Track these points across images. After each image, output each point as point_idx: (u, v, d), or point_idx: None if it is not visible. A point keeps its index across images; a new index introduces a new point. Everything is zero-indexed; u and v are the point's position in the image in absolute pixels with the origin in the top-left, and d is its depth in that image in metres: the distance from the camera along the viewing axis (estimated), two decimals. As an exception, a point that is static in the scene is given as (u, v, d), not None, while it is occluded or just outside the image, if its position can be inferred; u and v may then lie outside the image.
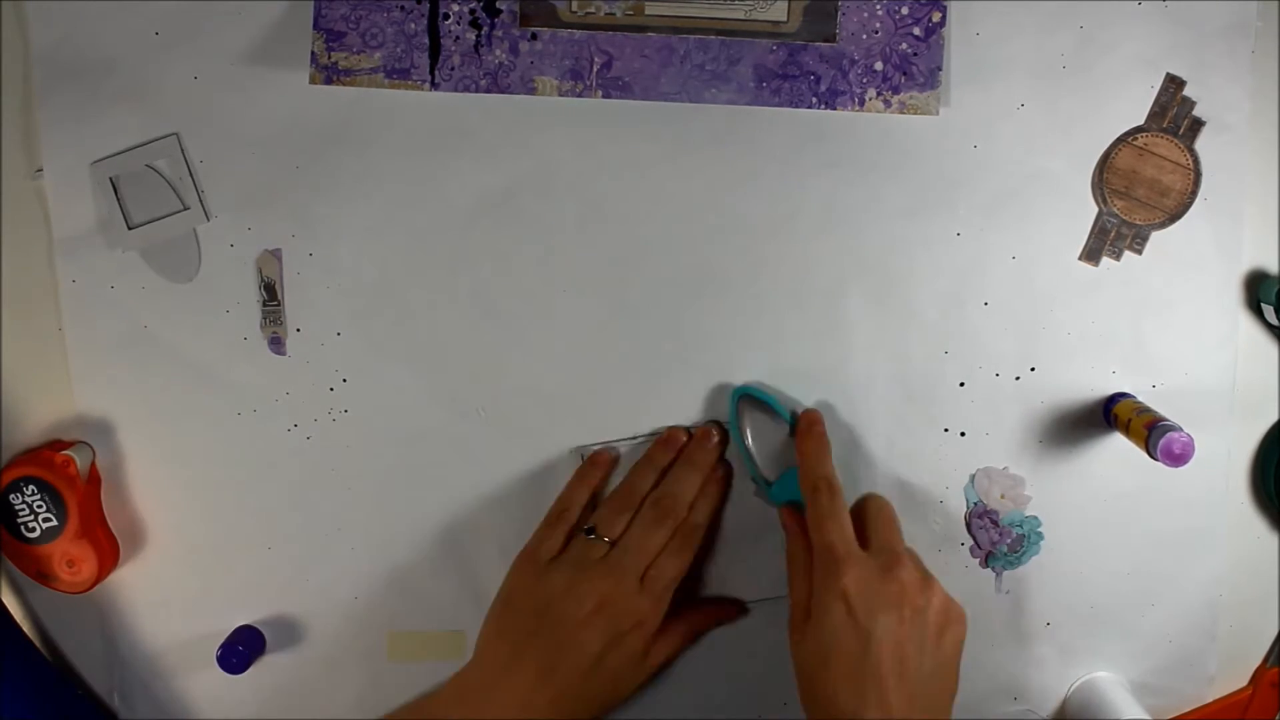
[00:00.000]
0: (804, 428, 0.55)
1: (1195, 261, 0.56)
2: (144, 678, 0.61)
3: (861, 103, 0.54)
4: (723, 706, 0.61)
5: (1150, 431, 0.52)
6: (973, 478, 0.59)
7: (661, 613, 0.54)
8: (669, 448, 0.57)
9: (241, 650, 0.58)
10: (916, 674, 0.47)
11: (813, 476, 0.53)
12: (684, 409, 0.58)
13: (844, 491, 0.58)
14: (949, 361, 0.57)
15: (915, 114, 0.54)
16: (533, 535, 0.57)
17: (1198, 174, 0.56)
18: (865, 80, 0.53)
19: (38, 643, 0.61)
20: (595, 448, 0.58)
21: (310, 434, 0.59)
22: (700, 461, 0.56)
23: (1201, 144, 0.55)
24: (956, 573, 0.59)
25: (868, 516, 0.52)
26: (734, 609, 0.59)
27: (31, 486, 0.56)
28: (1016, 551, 0.59)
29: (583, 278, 0.57)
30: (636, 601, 0.53)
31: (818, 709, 0.48)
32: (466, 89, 0.54)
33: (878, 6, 0.53)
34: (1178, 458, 0.51)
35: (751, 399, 0.56)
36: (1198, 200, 0.56)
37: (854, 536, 0.50)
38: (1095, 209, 0.56)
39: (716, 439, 0.57)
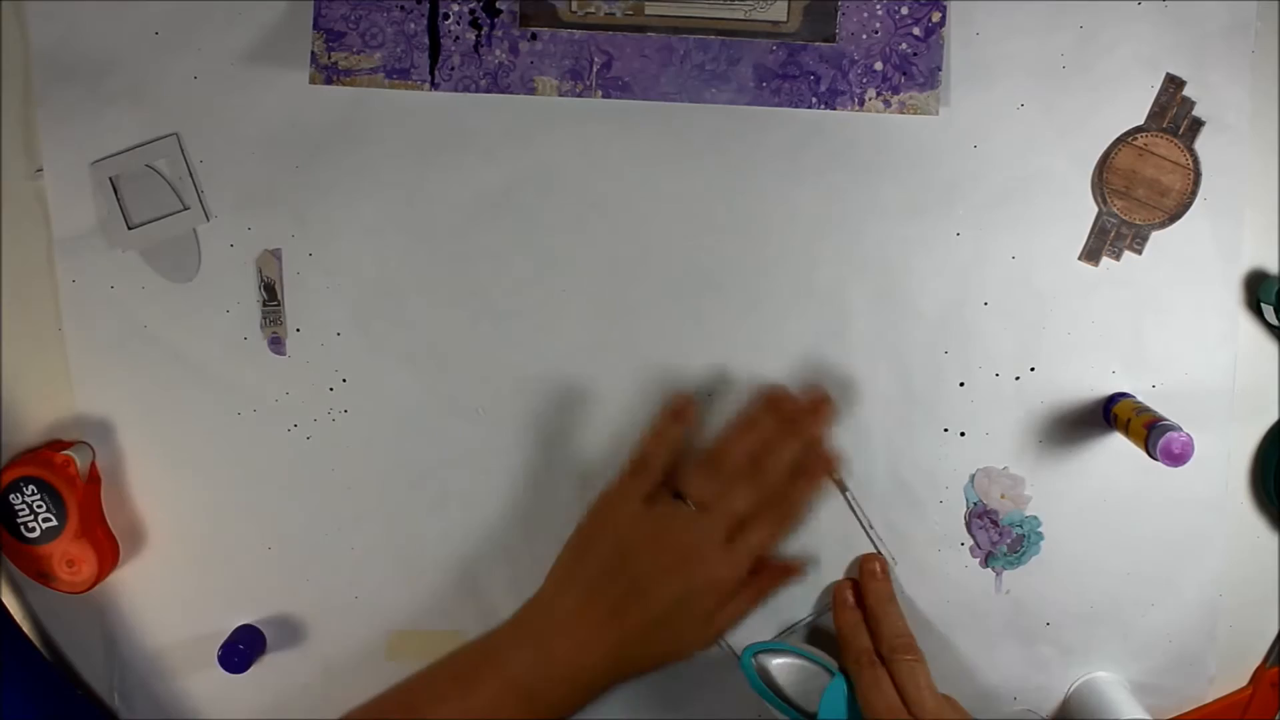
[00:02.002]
0: (837, 604, 0.58)
1: (1195, 261, 0.56)
2: (144, 678, 0.61)
3: (861, 103, 0.54)
4: (726, 706, 0.61)
5: (1150, 431, 0.52)
6: (973, 478, 0.59)
7: (739, 580, 0.53)
8: (773, 409, 0.55)
9: (242, 650, 0.58)
10: None
11: (854, 651, 0.55)
12: (684, 409, 0.58)
13: (846, 493, 0.58)
14: (949, 361, 0.57)
15: (915, 114, 0.54)
16: (613, 482, 0.55)
17: (1198, 174, 0.56)
18: (865, 80, 0.53)
19: (38, 643, 0.61)
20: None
21: (310, 434, 0.59)
22: (807, 430, 0.55)
23: (1201, 144, 0.55)
24: (956, 573, 0.59)
25: (901, 681, 0.53)
26: (797, 567, 0.58)
27: (31, 486, 0.56)
28: (1016, 551, 0.59)
29: (583, 278, 0.57)
30: (718, 563, 0.52)
31: None
32: (466, 89, 0.54)
33: (878, 6, 0.53)
34: (1177, 458, 0.51)
35: (763, 652, 0.56)
36: (1198, 200, 0.56)
37: (900, 703, 0.52)
38: (1095, 209, 0.56)
39: (827, 408, 0.55)
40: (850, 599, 0.58)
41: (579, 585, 0.53)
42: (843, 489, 0.58)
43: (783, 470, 0.54)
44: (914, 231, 0.56)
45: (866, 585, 0.58)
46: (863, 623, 0.56)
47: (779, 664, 0.55)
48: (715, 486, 0.54)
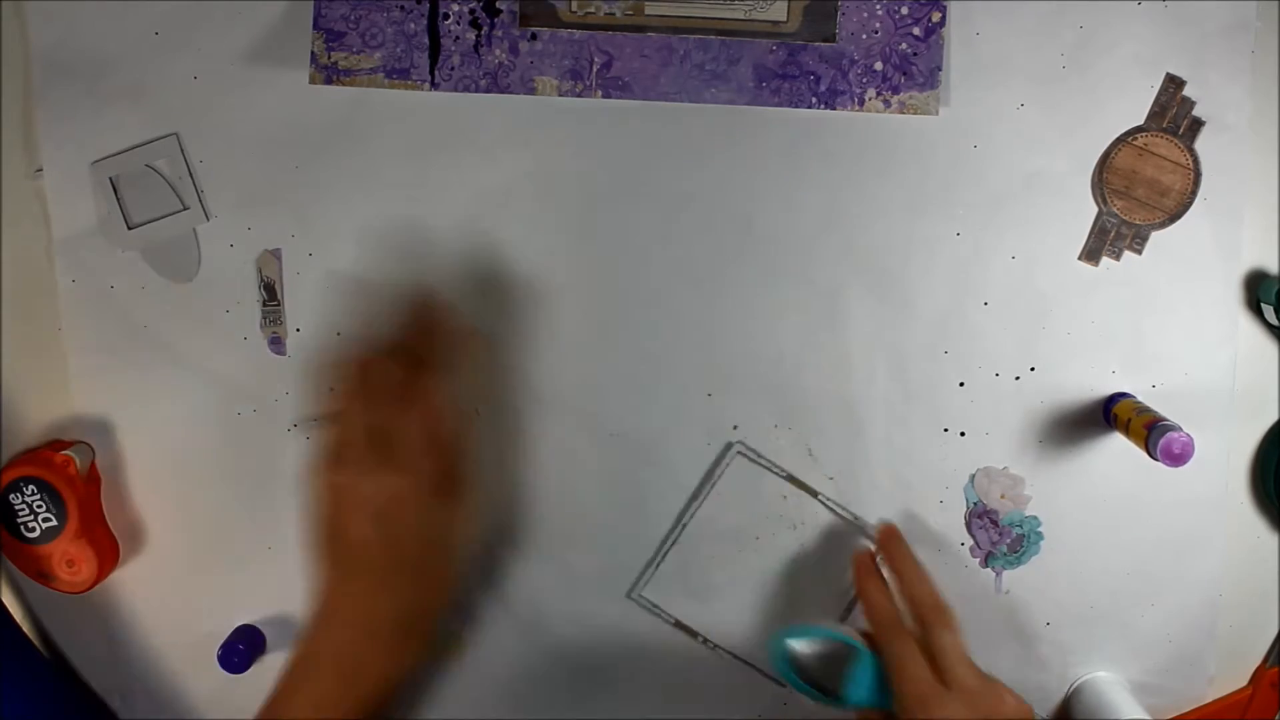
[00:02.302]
0: (861, 573, 0.56)
1: (1195, 261, 0.56)
2: (144, 678, 0.61)
3: (861, 103, 0.54)
4: (722, 705, 0.61)
5: (1150, 431, 0.52)
6: (973, 478, 0.59)
7: (421, 468, 0.50)
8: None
9: (242, 650, 0.58)
10: None
11: (883, 621, 0.54)
12: (684, 408, 0.58)
13: (844, 490, 0.58)
14: (949, 361, 0.57)
15: (915, 114, 0.54)
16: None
17: (1197, 174, 0.56)
18: (865, 80, 0.53)
19: (38, 643, 0.61)
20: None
21: (310, 434, 0.59)
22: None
23: (1201, 144, 0.55)
24: (956, 573, 0.59)
25: (938, 650, 0.52)
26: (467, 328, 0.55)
27: (31, 486, 0.56)
28: (1016, 551, 0.59)
29: (583, 277, 0.57)
30: (373, 476, 0.49)
31: None
32: (466, 89, 0.54)
33: (878, 6, 0.53)
34: (1178, 458, 0.51)
35: (787, 642, 0.55)
36: (1198, 200, 0.56)
37: (932, 675, 0.51)
38: (1095, 209, 0.56)
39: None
40: (873, 565, 0.57)
41: (316, 562, 0.51)
42: (813, 494, 0.58)
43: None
44: (914, 231, 0.56)
45: (887, 549, 0.57)
46: (888, 589, 0.55)
47: (804, 646, 0.55)
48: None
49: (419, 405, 0.51)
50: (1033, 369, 0.57)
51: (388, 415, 0.50)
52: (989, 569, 0.59)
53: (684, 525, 0.58)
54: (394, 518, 0.49)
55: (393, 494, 0.49)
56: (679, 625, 0.60)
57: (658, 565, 0.59)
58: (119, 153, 0.56)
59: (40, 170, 0.57)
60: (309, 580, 0.50)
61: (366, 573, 0.50)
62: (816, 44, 0.53)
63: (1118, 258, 0.57)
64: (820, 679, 0.54)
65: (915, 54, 0.53)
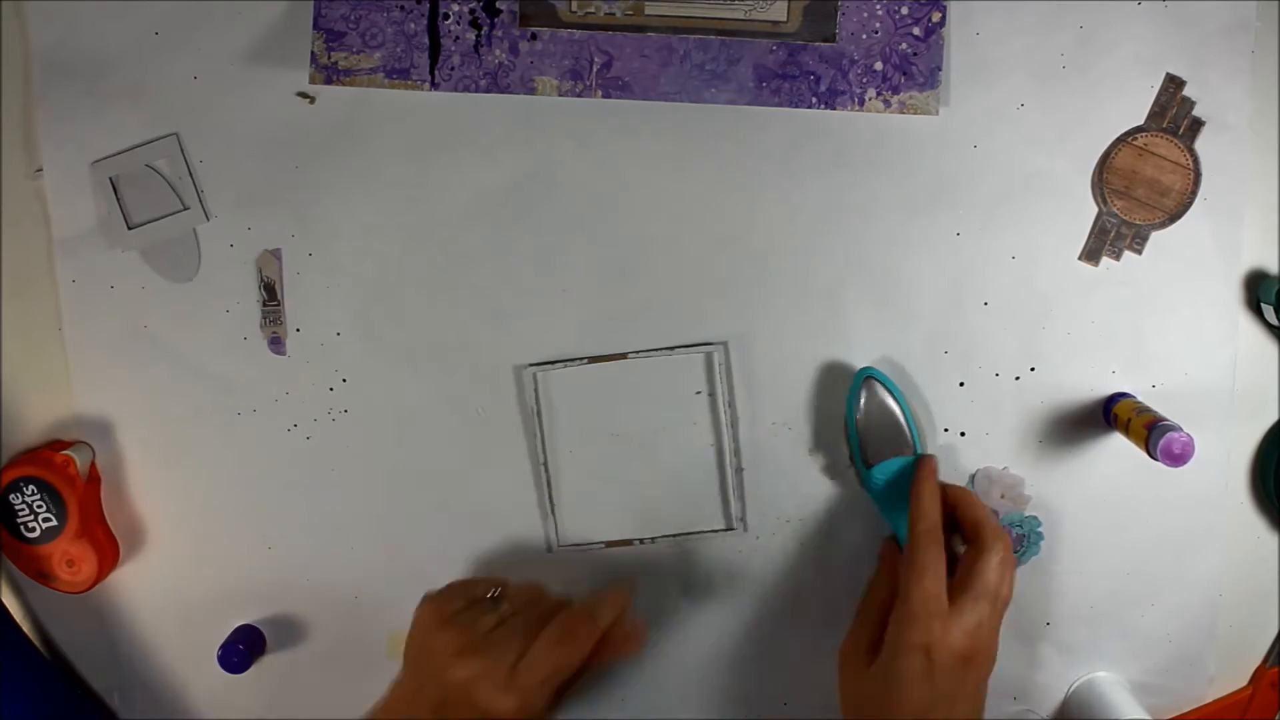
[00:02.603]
0: (923, 473, 0.54)
1: (1195, 261, 0.56)
2: (144, 677, 0.61)
3: (861, 103, 0.54)
4: (722, 705, 0.61)
5: (1150, 431, 0.52)
6: (973, 478, 0.59)
7: (532, 708, 0.50)
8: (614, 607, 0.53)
9: (242, 650, 0.58)
10: None
11: (926, 524, 0.52)
12: (684, 407, 0.58)
13: (845, 490, 0.58)
14: (949, 361, 0.57)
15: (915, 114, 0.54)
16: (447, 586, 0.55)
17: (1197, 174, 0.56)
18: (865, 80, 0.53)
19: (38, 643, 0.61)
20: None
21: (310, 434, 0.59)
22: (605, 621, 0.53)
23: (1201, 144, 0.55)
24: (956, 573, 0.59)
25: (984, 549, 0.51)
26: (636, 636, 0.54)
27: (31, 486, 0.56)
28: (1016, 551, 0.59)
29: (583, 277, 0.57)
30: (500, 693, 0.49)
31: None
32: (466, 89, 0.54)
33: (878, 6, 0.53)
34: (1178, 458, 0.51)
35: (875, 382, 0.56)
36: (1198, 200, 0.56)
37: (945, 592, 0.50)
38: (1095, 209, 0.56)
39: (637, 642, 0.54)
40: (935, 472, 0.55)
41: (410, 684, 0.52)
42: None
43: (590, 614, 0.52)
44: (914, 231, 0.56)
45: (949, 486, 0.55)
46: (939, 499, 0.54)
47: (869, 400, 0.55)
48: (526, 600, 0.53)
49: (569, 651, 0.50)
50: (1033, 369, 0.57)
51: (546, 636, 0.50)
52: (989, 569, 0.59)
53: (545, 464, 0.58)
54: (462, 701, 0.49)
55: (501, 712, 0.49)
56: (610, 545, 0.59)
57: (553, 510, 0.59)
58: (119, 153, 0.56)
59: (40, 170, 0.57)
60: (395, 690, 0.52)
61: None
62: (816, 44, 0.53)
63: (1118, 258, 0.57)
64: (864, 439, 0.55)
65: (915, 54, 0.53)
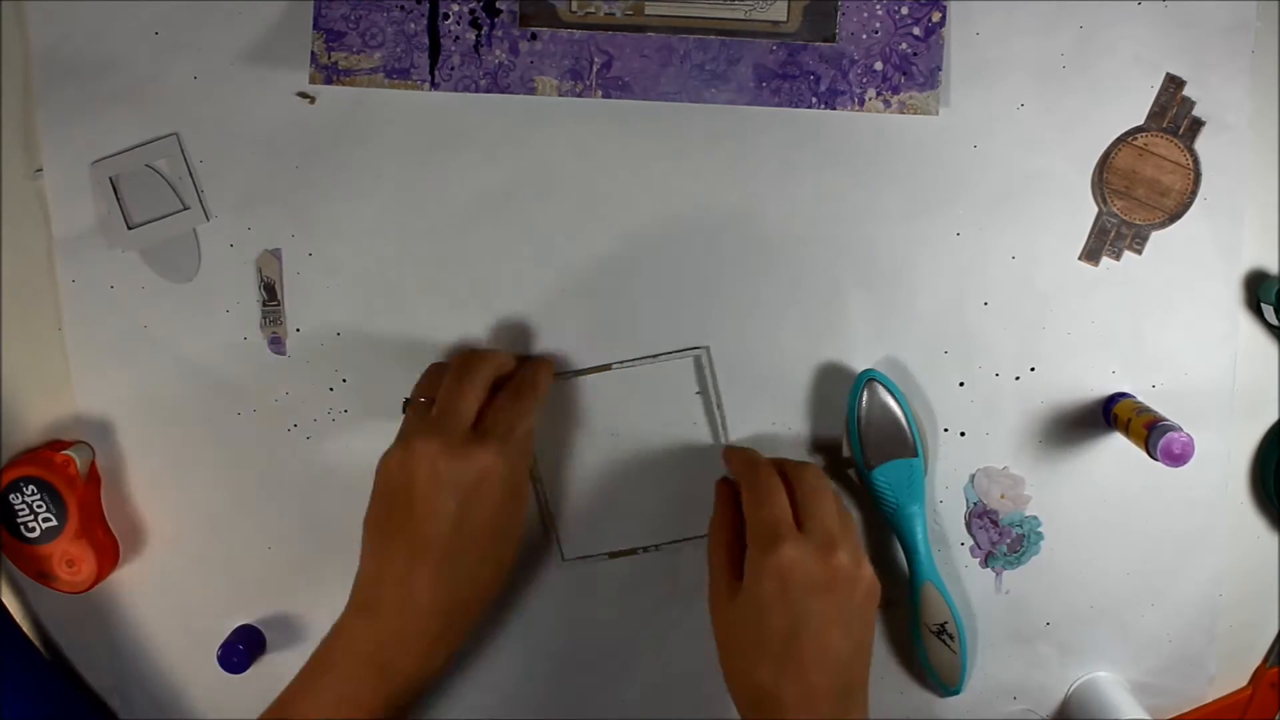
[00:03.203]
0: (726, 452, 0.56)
1: (1195, 261, 0.56)
2: (144, 678, 0.61)
3: (861, 103, 0.54)
4: (723, 705, 0.61)
5: (1150, 431, 0.52)
6: (973, 478, 0.59)
7: (511, 455, 0.50)
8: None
9: (241, 650, 0.58)
10: (838, 655, 0.48)
11: (750, 456, 0.54)
12: (684, 407, 0.58)
13: (842, 489, 0.58)
14: (949, 361, 0.57)
15: (915, 114, 0.54)
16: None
17: (1197, 174, 0.56)
18: (865, 80, 0.53)
19: (38, 643, 0.61)
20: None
21: (310, 434, 0.59)
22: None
23: (1201, 144, 0.55)
24: (956, 573, 0.59)
25: (803, 492, 0.51)
26: (547, 360, 0.56)
27: (31, 486, 0.56)
28: (1016, 551, 0.59)
29: (583, 277, 0.57)
30: (471, 452, 0.49)
31: (737, 678, 0.50)
32: (466, 89, 0.54)
33: (878, 6, 0.53)
34: (1178, 458, 0.51)
35: (877, 384, 0.56)
36: (1198, 200, 0.56)
37: (791, 515, 0.50)
38: (1095, 209, 0.56)
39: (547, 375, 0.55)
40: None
41: (375, 544, 0.51)
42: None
43: (493, 362, 0.54)
44: (914, 231, 0.56)
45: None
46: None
47: (871, 401, 0.55)
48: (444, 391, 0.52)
49: (523, 399, 0.52)
50: (1033, 369, 0.57)
51: (497, 400, 0.52)
52: (989, 569, 0.59)
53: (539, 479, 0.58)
54: (479, 497, 0.49)
55: (483, 472, 0.49)
56: (614, 555, 0.59)
57: (557, 525, 0.59)
58: (119, 153, 0.56)
59: (40, 170, 0.57)
60: (360, 563, 0.51)
61: (425, 556, 0.49)
62: (816, 44, 0.53)
63: (1118, 258, 0.57)
64: (865, 441, 0.55)
65: (915, 54, 0.53)
